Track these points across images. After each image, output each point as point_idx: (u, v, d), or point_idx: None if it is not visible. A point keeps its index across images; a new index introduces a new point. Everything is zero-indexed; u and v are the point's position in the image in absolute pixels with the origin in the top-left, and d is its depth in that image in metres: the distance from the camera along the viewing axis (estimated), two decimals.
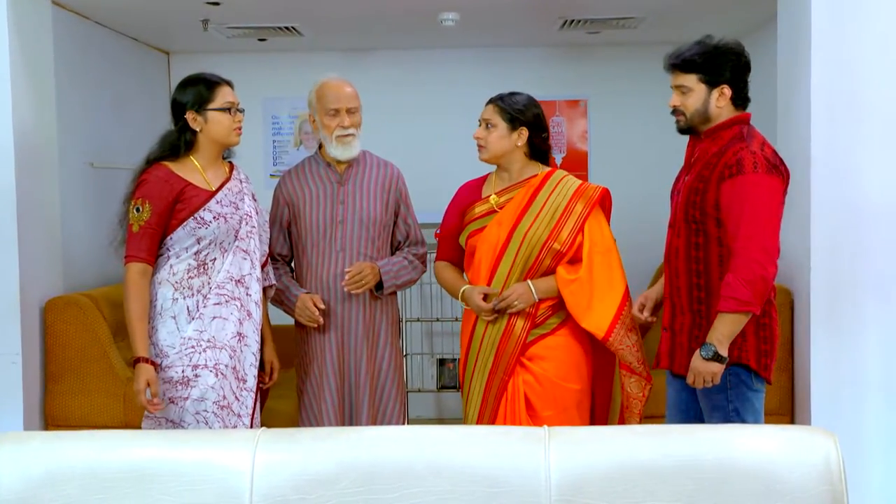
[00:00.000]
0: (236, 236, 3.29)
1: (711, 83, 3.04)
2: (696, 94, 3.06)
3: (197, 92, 3.28)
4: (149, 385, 3.10)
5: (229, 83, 3.35)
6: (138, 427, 3.44)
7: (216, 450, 1.98)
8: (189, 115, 3.27)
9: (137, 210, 3.19)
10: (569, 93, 6.02)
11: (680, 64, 3.08)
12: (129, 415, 4.15)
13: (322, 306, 3.55)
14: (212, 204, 3.24)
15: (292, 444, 1.99)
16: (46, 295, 4.21)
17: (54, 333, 4.19)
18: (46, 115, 4.25)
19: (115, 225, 3.31)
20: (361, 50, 6.03)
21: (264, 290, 3.49)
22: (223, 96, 3.29)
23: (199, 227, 3.21)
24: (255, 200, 3.44)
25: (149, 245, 3.19)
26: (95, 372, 4.21)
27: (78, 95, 4.75)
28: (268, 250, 3.48)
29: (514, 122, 3.40)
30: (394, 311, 3.74)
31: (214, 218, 3.23)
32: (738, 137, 3.00)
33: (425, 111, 6.03)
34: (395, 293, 3.72)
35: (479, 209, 3.49)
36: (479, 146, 3.47)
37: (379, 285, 3.58)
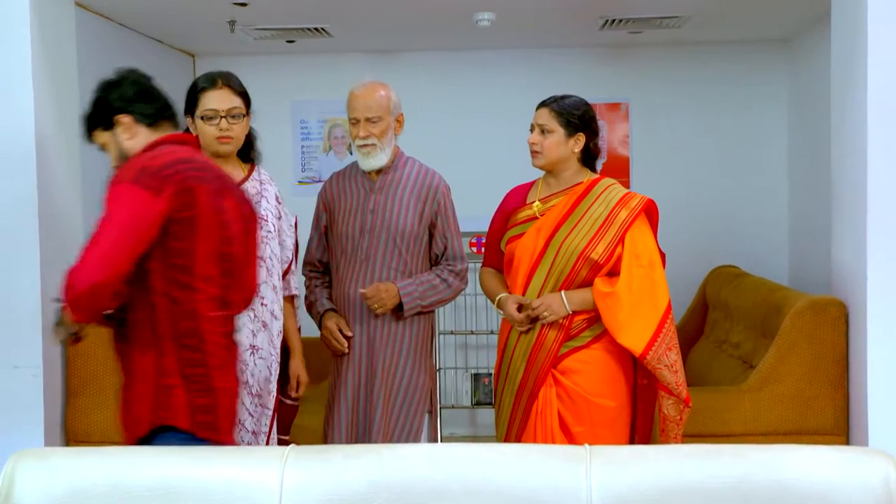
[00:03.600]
0: None
1: None
2: None
3: (188, 95, 3.33)
4: None
5: (219, 86, 3.28)
6: None
7: (243, 467, 1.99)
8: (188, 118, 3.33)
9: None
10: (609, 95, 6.00)
11: None
12: None
13: (349, 333, 3.56)
14: None
15: (322, 462, 1.99)
16: None
17: (76, 345, 4.22)
18: (69, 118, 4.29)
19: None
20: (393, 51, 6.05)
21: (290, 298, 3.49)
22: (205, 103, 3.28)
23: None
24: (279, 203, 3.44)
25: None
26: (118, 386, 4.24)
27: None
28: (291, 257, 3.46)
29: (570, 126, 3.38)
30: (426, 328, 3.67)
31: None
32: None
33: (459, 115, 6.04)
34: (432, 311, 3.70)
35: (522, 215, 3.49)
36: (534, 152, 3.43)
37: (401, 306, 3.54)
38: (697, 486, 1.90)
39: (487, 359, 5.98)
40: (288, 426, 3.57)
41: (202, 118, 3.29)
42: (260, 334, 3.27)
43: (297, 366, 3.49)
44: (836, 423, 4.09)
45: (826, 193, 4.30)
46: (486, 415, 6.05)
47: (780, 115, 5.94)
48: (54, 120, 4.12)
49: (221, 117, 3.27)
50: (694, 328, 5.46)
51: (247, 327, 3.23)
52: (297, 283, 3.56)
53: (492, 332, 5.88)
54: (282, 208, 3.46)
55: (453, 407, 5.98)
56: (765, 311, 4.47)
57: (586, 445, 2.03)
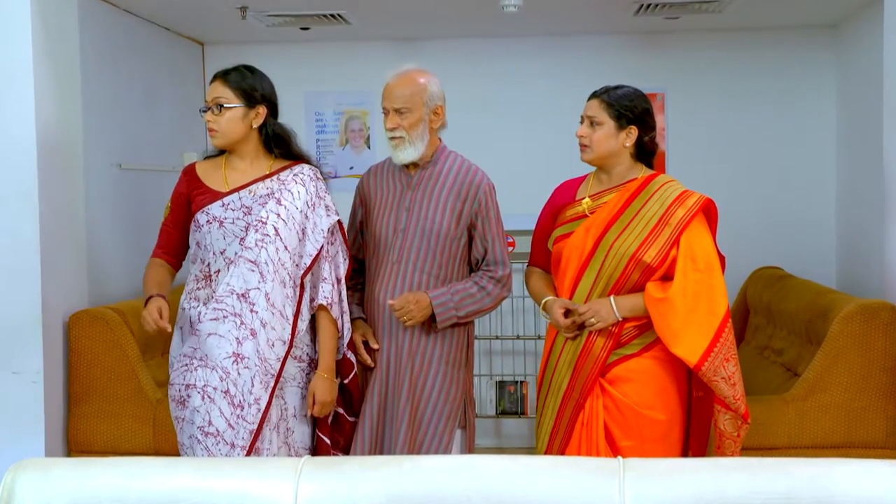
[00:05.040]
0: (242, 244, 3.27)
1: None
2: None
3: None
4: (160, 312, 3.24)
5: (214, 79, 3.38)
6: (169, 453, 3.48)
7: (256, 480, 1.99)
8: None
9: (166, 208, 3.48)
10: (644, 85, 5.82)
11: None
12: (159, 440, 4.19)
13: (375, 346, 3.53)
14: (213, 206, 3.32)
15: (338, 475, 1.99)
16: (70, 308, 4.28)
17: (79, 350, 4.26)
18: (71, 112, 4.33)
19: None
20: (413, 39, 6.05)
21: (323, 308, 3.37)
22: (207, 95, 3.41)
23: (196, 231, 3.35)
24: (311, 206, 3.36)
25: (165, 242, 3.47)
26: (123, 393, 4.27)
27: (105, 90, 4.83)
28: (308, 264, 3.33)
29: (622, 119, 3.35)
30: (461, 338, 3.61)
31: (207, 222, 3.31)
32: None
33: (484, 106, 6.02)
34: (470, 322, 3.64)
35: (571, 212, 3.46)
36: (582, 146, 3.41)
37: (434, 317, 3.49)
38: (738, 501, 1.88)
39: (513, 365, 5.97)
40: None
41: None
42: (246, 343, 3.22)
43: (315, 382, 3.38)
44: (888, 436, 4.07)
45: (878, 189, 4.27)
46: (512, 425, 6.05)
47: (828, 106, 5.90)
48: (56, 112, 4.15)
49: (208, 109, 3.35)
50: (734, 334, 5.42)
51: (231, 334, 3.23)
52: (330, 292, 3.38)
53: (517, 338, 5.88)
54: (313, 211, 3.36)
55: (476, 416, 5.96)
56: (810, 316, 4.45)
57: (619, 458, 2.02)
